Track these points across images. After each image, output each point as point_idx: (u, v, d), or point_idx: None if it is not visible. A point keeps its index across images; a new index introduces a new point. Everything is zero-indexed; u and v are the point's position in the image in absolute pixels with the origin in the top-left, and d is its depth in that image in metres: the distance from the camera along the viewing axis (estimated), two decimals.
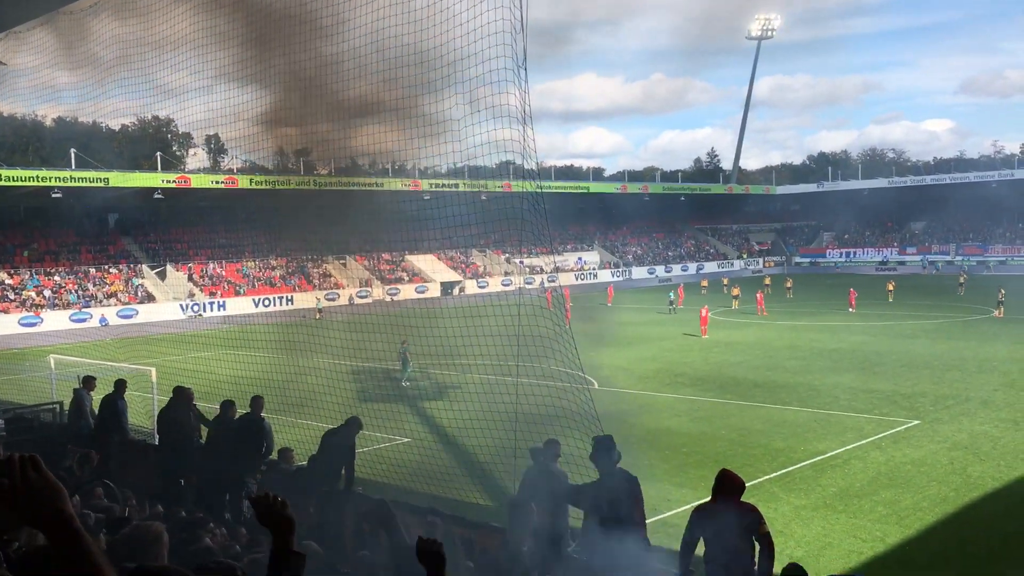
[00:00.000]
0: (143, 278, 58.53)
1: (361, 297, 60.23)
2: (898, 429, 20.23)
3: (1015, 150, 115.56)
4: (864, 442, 19.15)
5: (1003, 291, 43.50)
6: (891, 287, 52.64)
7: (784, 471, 17.04)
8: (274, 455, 11.70)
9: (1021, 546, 12.98)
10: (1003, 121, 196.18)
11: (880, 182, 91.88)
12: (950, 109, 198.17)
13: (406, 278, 66.88)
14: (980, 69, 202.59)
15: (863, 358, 30.93)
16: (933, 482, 16.07)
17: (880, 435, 19.71)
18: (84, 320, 50.49)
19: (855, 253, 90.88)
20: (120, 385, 14.48)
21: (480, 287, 65.54)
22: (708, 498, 7.52)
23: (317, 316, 42.05)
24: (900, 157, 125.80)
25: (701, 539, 7.25)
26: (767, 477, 16.65)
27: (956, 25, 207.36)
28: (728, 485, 7.36)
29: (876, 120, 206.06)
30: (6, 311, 50.07)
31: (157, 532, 4.08)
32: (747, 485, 15.97)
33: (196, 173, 60.48)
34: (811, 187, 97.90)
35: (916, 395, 24.04)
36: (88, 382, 15.27)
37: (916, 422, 20.86)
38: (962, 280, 55.92)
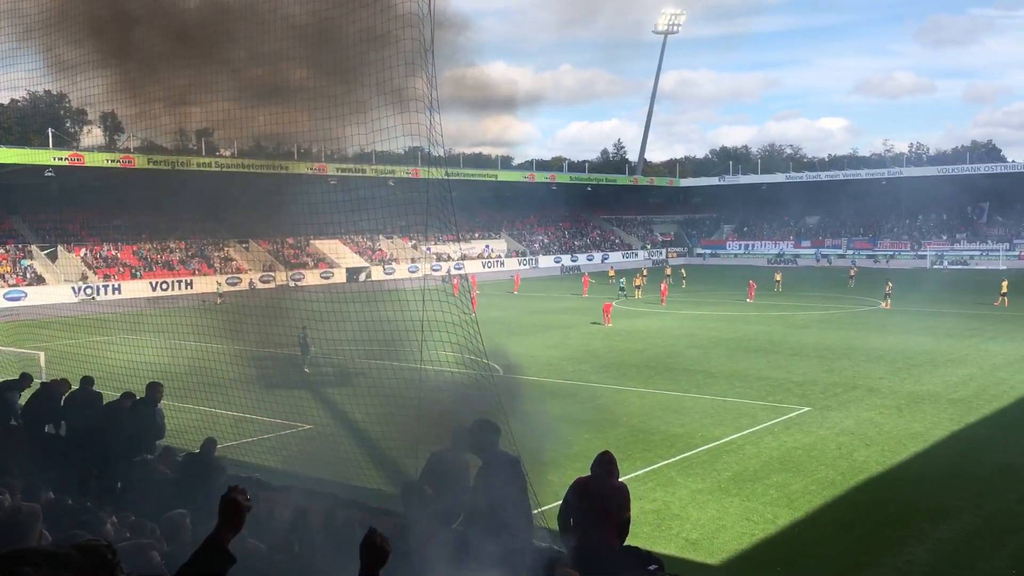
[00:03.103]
0: (32, 259, 56.06)
1: (264, 282, 59.00)
2: (790, 416, 20.99)
3: (904, 149, 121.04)
4: (758, 428, 19.81)
5: (890, 284, 45.53)
6: (778, 278, 54.79)
7: (682, 456, 17.51)
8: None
9: (902, 526, 13.66)
10: (894, 121, 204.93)
11: (778, 177, 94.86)
12: (845, 108, 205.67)
13: (311, 263, 65.82)
14: (873, 70, 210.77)
15: (758, 347, 31.94)
16: (822, 466, 16.75)
17: (773, 421, 20.43)
18: None
19: (753, 246, 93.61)
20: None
21: (387, 273, 64.97)
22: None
23: (218, 301, 41.07)
24: (797, 153, 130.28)
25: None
26: (665, 462, 17.09)
27: (851, 27, 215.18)
28: (603, 464, 7.60)
29: (775, 117, 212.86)
30: None
31: (33, 512, 3.95)
32: (646, 470, 16.35)
33: (90, 151, 58.07)
34: (713, 180, 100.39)
35: (807, 383, 24.97)
36: None
37: (807, 409, 21.68)
38: (852, 273, 58.26)
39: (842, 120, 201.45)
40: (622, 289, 51.38)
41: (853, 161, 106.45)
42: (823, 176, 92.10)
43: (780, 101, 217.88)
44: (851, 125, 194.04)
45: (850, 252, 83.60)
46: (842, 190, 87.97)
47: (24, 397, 13.17)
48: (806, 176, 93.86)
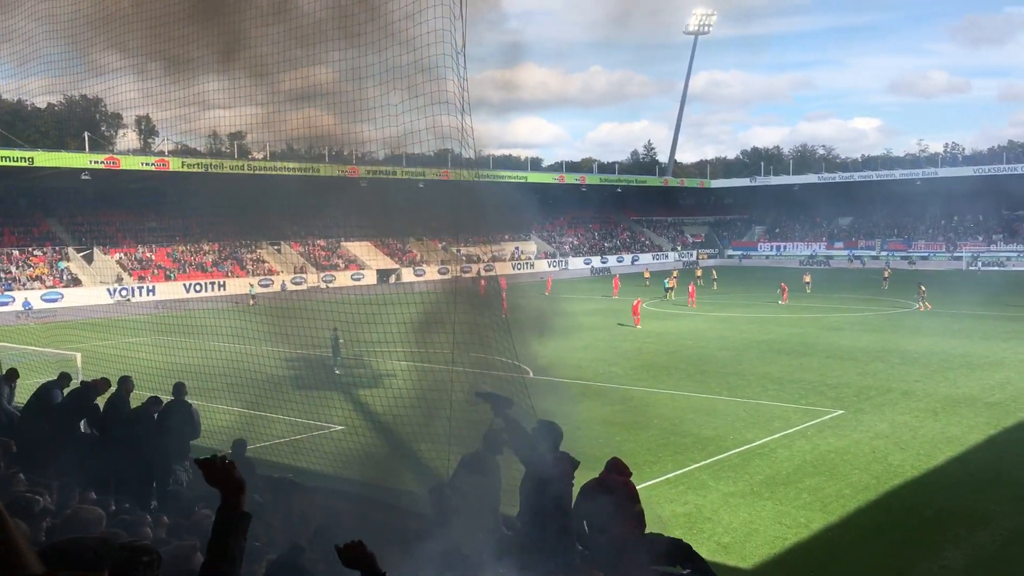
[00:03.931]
0: (69, 261, 56.91)
1: (296, 284, 59.51)
2: (823, 419, 20.78)
3: (939, 149, 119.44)
4: (791, 431, 19.63)
5: (923, 287, 44.97)
6: (808, 279, 54.35)
7: (713, 459, 17.39)
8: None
9: (938, 531, 13.47)
10: (928, 121, 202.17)
11: (810, 178, 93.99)
12: (878, 108, 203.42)
13: (342, 265, 66.25)
14: (907, 70, 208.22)
15: (791, 349, 31.66)
16: (856, 470, 16.56)
17: (806, 424, 20.23)
18: (6, 304, 48.96)
19: (785, 247, 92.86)
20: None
21: (417, 275, 65.21)
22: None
23: (251, 302, 41.43)
24: (830, 154, 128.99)
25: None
26: (697, 465, 16.99)
27: (885, 26, 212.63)
28: (609, 467, 7.61)
29: (807, 117, 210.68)
30: None
31: (97, 516, 4.02)
32: (678, 473, 16.27)
33: (125, 155, 58.89)
34: (744, 181, 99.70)
35: (841, 385, 24.71)
36: (11, 375, 14.70)
37: (840, 412, 21.45)
38: (886, 275, 57.58)
39: (876, 120, 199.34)
40: (668, 288, 51.48)
41: (887, 161, 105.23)
42: (856, 177, 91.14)
43: (812, 101, 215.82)
44: (885, 125, 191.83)
45: (884, 254, 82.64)
46: (876, 191, 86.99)
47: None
48: (839, 177, 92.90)
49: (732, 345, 33.05)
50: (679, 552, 7.46)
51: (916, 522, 13.94)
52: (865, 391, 23.94)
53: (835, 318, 41.47)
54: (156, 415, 11.77)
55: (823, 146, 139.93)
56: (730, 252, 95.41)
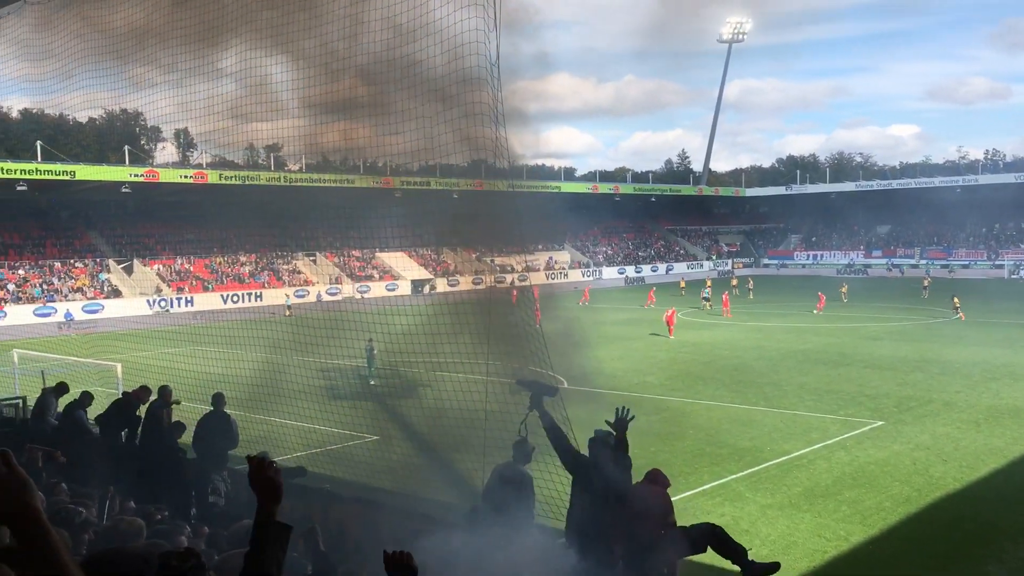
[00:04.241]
0: (109, 273, 57.81)
1: (331, 294, 59.94)
2: (863, 430, 20.48)
3: (979, 156, 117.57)
4: (829, 442, 19.37)
5: (957, 299, 44.28)
6: (844, 289, 53.57)
7: (750, 471, 17.21)
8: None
9: (982, 545, 13.20)
10: (968, 127, 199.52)
11: (847, 186, 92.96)
12: (916, 115, 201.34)
13: (376, 275, 66.63)
14: (945, 75, 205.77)
15: (828, 359, 31.28)
16: (896, 482, 16.30)
17: (845, 436, 19.96)
18: (49, 315, 49.83)
19: (822, 256, 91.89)
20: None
21: (451, 285, 65.42)
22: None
23: (287, 313, 41.81)
24: (867, 161, 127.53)
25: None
26: (734, 476, 16.81)
27: (921, 32, 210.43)
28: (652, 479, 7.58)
29: (843, 124, 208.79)
30: None
31: (138, 527, 4.05)
32: (714, 484, 16.12)
33: (165, 167, 59.81)
34: (779, 190, 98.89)
35: (880, 396, 24.35)
36: (60, 388, 14.91)
37: (880, 423, 21.14)
38: (926, 283, 56.76)
39: (914, 127, 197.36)
40: (706, 298, 51.11)
41: (926, 169, 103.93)
42: (894, 184, 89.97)
43: (849, 109, 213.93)
44: (923, 132, 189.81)
45: (923, 262, 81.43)
46: (914, 198, 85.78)
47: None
48: (877, 184, 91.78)
49: (768, 355, 32.73)
50: (710, 538, 7.37)
51: (959, 536, 13.67)
52: (905, 402, 23.58)
53: (874, 328, 40.93)
54: (196, 425, 11.91)
55: (860, 154, 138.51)
56: (766, 261, 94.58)
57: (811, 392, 25.18)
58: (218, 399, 12.28)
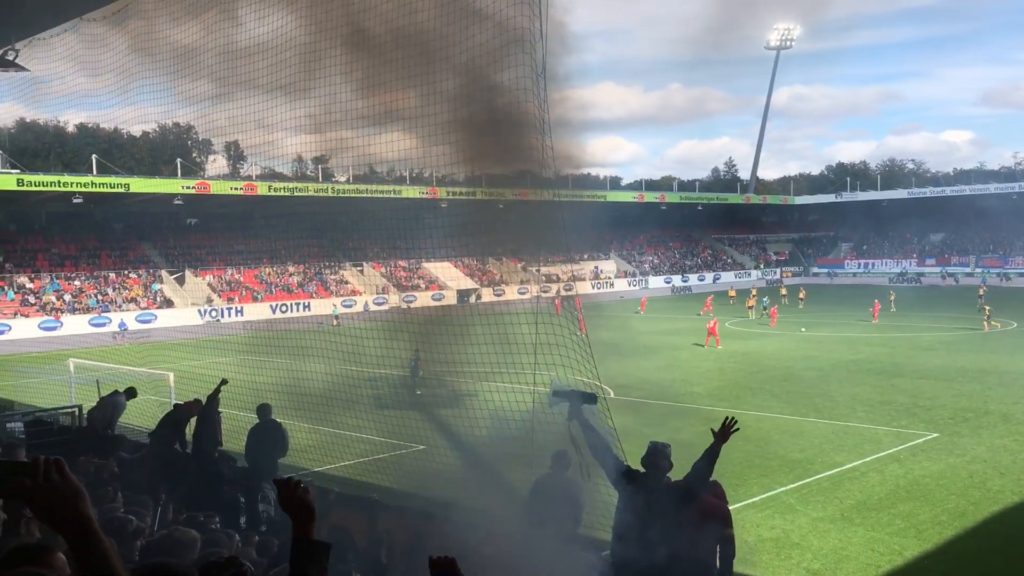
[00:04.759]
0: (162, 283, 58.91)
1: (378, 304, 60.39)
2: (917, 442, 20.07)
3: None
4: (882, 454, 19.01)
5: (988, 307, 43.23)
6: (892, 297, 52.53)
7: (801, 483, 16.94)
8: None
9: None
10: None
11: (899, 193, 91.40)
12: (970, 120, 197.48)
13: (423, 285, 67.00)
14: (1000, 80, 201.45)
15: (881, 369, 30.73)
16: (952, 495, 15.92)
17: (898, 447, 19.57)
18: (103, 325, 50.88)
19: (873, 264, 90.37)
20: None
21: (496, 295, 65.56)
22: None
23: (335, 323, 42.20)
24: (920, 168, 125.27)
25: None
26: (784, 488, 16.56)
27: (974, 36, 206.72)
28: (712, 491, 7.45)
29: (895, 131, 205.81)
30: (27, 315, 50.52)
31: (192, 538, 4.10)
32: (764, 496, 15.89)
33: (215, 179, 60.87)
34: (829, 197, 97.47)
35: (935, 407, 23.84)
36: (129, 393, 15.16)
37: (935, 435, 20.69)
38: (981, 292, 55.54)
39: (968, 133, 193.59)
40: (765, 308, 50.67)
41: (981, 175, 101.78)
42: (948, 191, 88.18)
43: (900, 115, 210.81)
44: (977, 137, 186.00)
45: (979, 270, 79.68)
46: (969, 205, 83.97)
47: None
48: (930, 191, 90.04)
49: (818, 365, 32.24)
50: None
51: (1017, 551, 13.31)
52: (961, 413, 23.05)
53: (927, 337, 40.11)
54: (247, 433, 12.07)
55: (912, 160, 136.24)
56: (815, 270, 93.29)
57: (863, 403, 24.74)
58: (263, 409, 12.46)
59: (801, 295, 58.79)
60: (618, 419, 8.91)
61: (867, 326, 44.88)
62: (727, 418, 7.19)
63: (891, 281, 77.79)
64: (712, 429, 7.26)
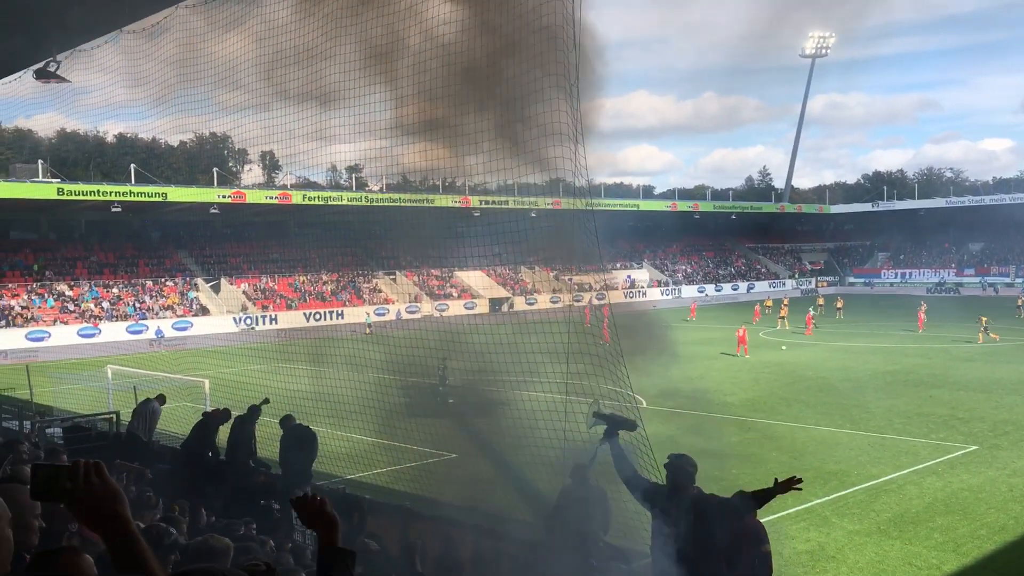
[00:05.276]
0: (198, 291, 59.60)
1: (410, 312, 60.63)
2: (955, 454, 19.74)
3: None
4: (920, 467, 18.72)
5: (984, 318, 42.19)
6: (923, 308, 50.71)
7: (837, 495, 16.73)
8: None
9: None
10: None
11: (937, 202, 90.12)
12: (1010, 128, 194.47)
13: (455, 294, 67.17)
14: None
15: (918, 380, 30.30)
16: (992, 509, 15.64)
17: (936, 460, 19.26)
18: (140, 332, 51.54)
19: (911, 274, 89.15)
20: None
21: (528, 304, 65.55)
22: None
23: (367, 331, 42.40)
24: (958, 177, 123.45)
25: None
26: (819, 501, 16.36)
27: (1013, 43, 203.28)
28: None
29: (932, 139, 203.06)
30: (66, 322, 51.34)
31: (225, 545, 4.13)
32: (798, 508, 15.70)
33: (251, 189, 61.50)
34: (865, 206, 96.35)
35: (974, 420, 23.45)
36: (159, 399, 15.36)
37: (974, 447, 20.35)
38: (1021, 303, 54.54)
39: (1007, 141, 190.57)
40: (816, 305, 50.38)
41: (1021, 184, 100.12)
42: (987, 200, 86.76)
43: (938, 123, 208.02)
44: (1018, 146, 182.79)
45: (1019, 280, 78.33)
46: (1009, 215, 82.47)
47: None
48: (968, 200, 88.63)
49: (855, 376, 31.85)
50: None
51: None
52: (1001, 426, 22.64)
53: (966, 348, 39.48)
54: (280, 438, 12.17)
55: (951, 169, 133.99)
56: (851, 279, 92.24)
57: (900, 415, 24.39)
58: (286, 419, 12.59)
59: (839, 304, 58.03)
60: (650, 428, 8.87)
61: (908, 336, 44.12)
62: (794, 477, 7.08)
63: (929, 291, 76.67)
64: (776, 479, 7.14)
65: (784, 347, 41.80)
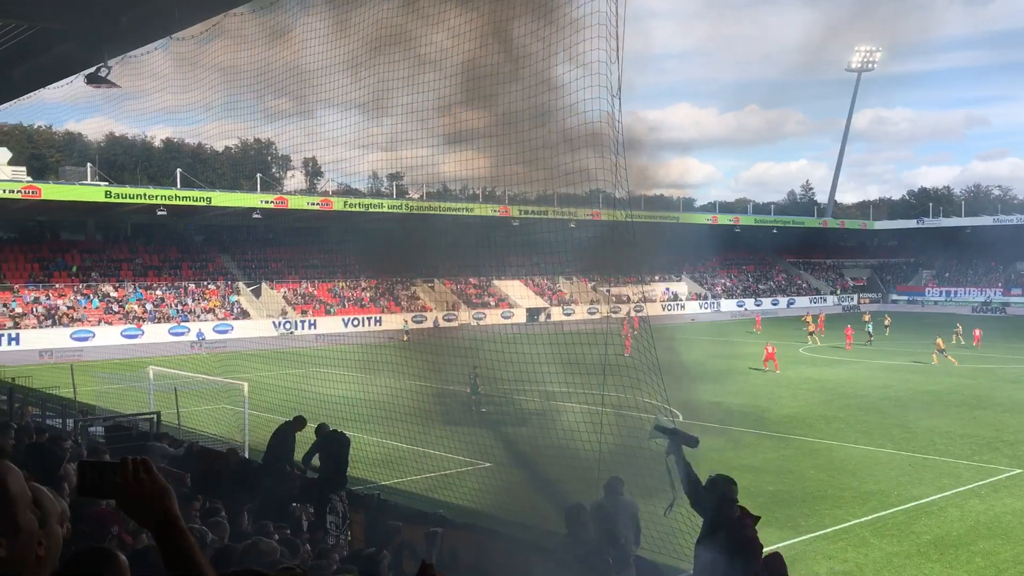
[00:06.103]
0: (239, 295, 60.32)
1: (448, 320, 60.80)
2: (999, 477, 19.33)
3: None
4: (962, 489, 18.36)
5: (941, 340, 41.11)
6: (959, 330, 49.33)
7: (876, 515, 16.46)
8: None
9: None
10: None
11: (984, 220, 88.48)
12: None
13: (492, 303, 67.26)
14: None
15: (962, 401, 29.73)
16: None
17: (979, 482, 18.87)
18: (182, 334, 52.27)
19: (956, 292, 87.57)
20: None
21: (566, 314, 65.45)
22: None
23: (404, 338, 42.62)
24: (1006, 194, 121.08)
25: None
26: (858, 521, 16.10)
27: None
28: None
29: (980, 156, 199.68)
30: (110, 323, 52.24)
31: (271, 549, 4.18)
32: (836, 528, 15.48)
33: (293, 195, 62.20)
34: (910, 223, 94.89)
35: (1019, 442, 22.94)
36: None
37: (1019, 471, 19.90)
38: None
39: None
40: (869, 334, 49.64)
41: None
42: None
43: (987, 139, 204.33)
44: None
45: None
46: None
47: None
48: (1017, 219, 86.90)
49: (896, 394, 31.34)
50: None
51: None
52: None
53: (1013, 369, 38.65)
54: (313, 443, 12.25)
55: (999, 186, 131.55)
56: (894, 297, 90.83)
57: (942, 435, 23.94)
58: (321, 428, 12.64)
59: (886, 322, 57.19)
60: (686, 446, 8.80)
61: (965, 354, 42.51)
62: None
63: (974, 310, 75.26)
64: None
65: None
